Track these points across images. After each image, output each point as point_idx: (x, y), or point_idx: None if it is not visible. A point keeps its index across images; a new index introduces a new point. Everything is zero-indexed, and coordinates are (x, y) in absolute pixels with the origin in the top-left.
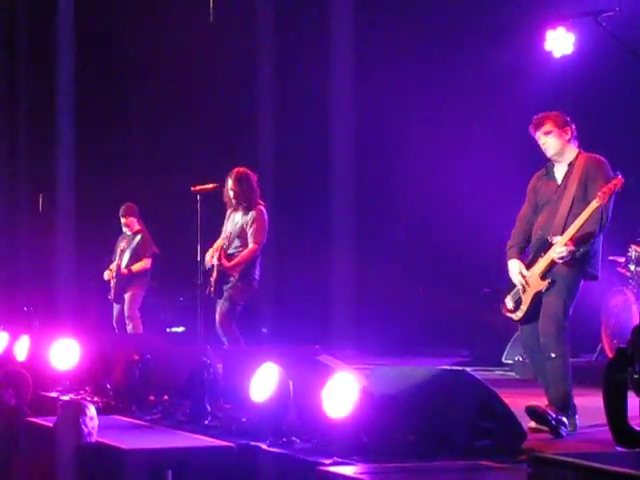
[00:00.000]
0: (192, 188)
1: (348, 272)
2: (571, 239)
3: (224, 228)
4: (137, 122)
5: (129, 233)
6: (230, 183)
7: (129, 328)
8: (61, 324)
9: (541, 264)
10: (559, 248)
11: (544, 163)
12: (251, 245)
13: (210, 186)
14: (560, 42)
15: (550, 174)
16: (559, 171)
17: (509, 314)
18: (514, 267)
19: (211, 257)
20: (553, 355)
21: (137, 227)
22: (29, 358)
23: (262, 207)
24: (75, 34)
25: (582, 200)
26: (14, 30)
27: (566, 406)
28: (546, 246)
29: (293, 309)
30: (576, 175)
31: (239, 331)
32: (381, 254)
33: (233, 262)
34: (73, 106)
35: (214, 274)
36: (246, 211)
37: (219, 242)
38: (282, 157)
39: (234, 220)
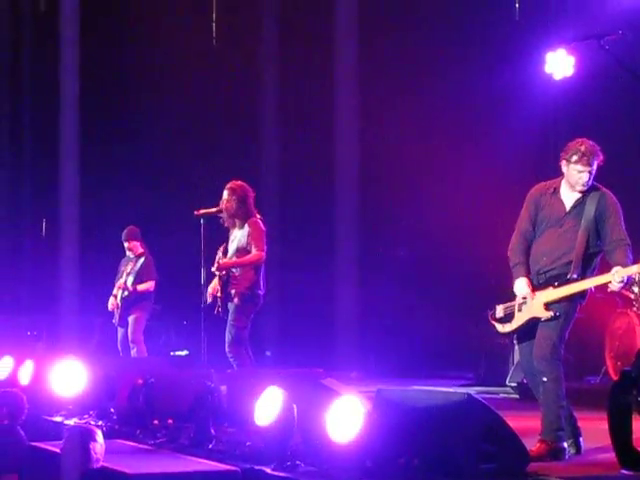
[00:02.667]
0: (195, 212)
1: (351, 294)
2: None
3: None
4: (140, 146)
5: (132, 256)
6: (225, 194)
7: (133, 352)
8: (65, 348)
9: (551, 294)
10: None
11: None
12: (254, 252)
13: (213, 210)
14: (560, 64)
15: (557, 194)
16: (569, 196)
17: (494, 322)
18: (522, 285)
19: (213, 289)
20: (545, 379)
21: (140, 250)
22: (32, 382)
23: (258, 219)
24: (80, 57)
25: (596, 237)
26: (18, 56)
27: (559, 428)
28: (562, 279)
29: (297, 332)
30: (590, 209)
31: (249, 353)
32: (384, 275)
33: (232, 261)
34: (76, 133)
35: (218, 290)
36: (242, 225)
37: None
38: (286, 178)
39: (233, 238)
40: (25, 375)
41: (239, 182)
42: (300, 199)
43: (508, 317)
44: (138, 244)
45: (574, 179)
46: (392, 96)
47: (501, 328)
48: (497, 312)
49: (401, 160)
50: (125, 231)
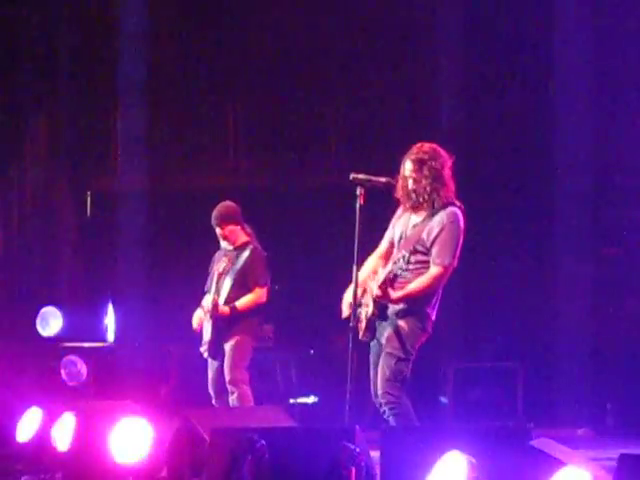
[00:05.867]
0: (352, 175)
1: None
2: None
3: None
4: None
5: (230, 248)
6: (410, 165)
7: (232, 398)
8: (123, 394)
9: None
10: None
11: None
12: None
13: (382, 179)
14: None
15: None
16: None
17: None
18: None
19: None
20: None
21: (244, 238)
22: (75, 446)
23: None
24: None
25: None
26: None
27: None
28: None
29: (485, 370)
30: None
31: (408, 398)
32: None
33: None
34: None
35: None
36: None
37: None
38: None
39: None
40: (63, 436)
41: (421, 144)
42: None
43: None
44: (238, 229)
45: None
46: None
47: None
48: None
49: None
50: (216, 211)
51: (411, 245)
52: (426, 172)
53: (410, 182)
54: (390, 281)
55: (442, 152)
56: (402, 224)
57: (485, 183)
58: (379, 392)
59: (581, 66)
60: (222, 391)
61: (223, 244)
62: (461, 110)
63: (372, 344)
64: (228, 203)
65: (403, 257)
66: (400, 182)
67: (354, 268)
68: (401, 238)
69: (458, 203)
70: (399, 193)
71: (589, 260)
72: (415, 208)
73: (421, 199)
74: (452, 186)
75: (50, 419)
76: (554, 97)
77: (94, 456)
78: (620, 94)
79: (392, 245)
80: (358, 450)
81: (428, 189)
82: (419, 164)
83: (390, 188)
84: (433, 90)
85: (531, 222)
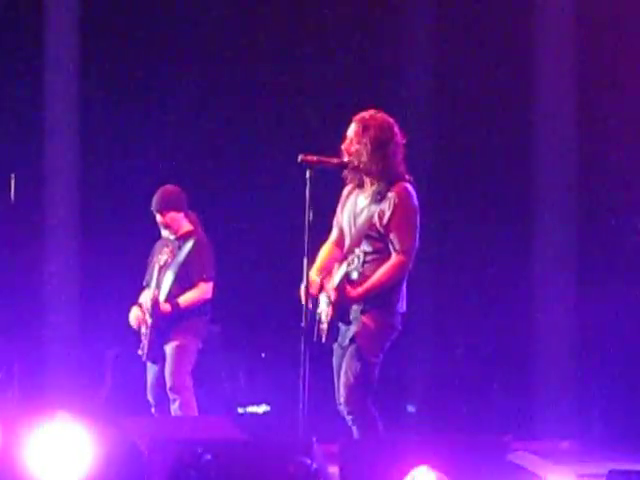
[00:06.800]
0: (301, 157)
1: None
2: None
3: None
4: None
5: (172, 238)
6: (352, 129)
7: (174, 407)
8: (53, 401)
9: None
10: None
11: None
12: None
13: (334, 160)
14: None
15: None
16: None
17: None
18: None
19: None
20: None
21: (186, 227)
22: None
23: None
24: None
25: None
26: None
27: None
28: None
29: (453, 374)
30: None
31: (374, 407)
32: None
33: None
34: None
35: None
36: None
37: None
38: None
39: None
40: None
41: (375, 111)
42: None
43: None
44: (181, 216)
45: None
46: None
47: None
48: None
49: None
50: (156, 196)
51: (364, 235)
52: (369, 137)
53: (352, 146)
54: (348, 281)
55: (395, 128)
56: (348, 208)
57: (460, 179)
58: (342, 400)
59: (564, 49)
60: (162, 398)
61: (164, 233)
62: (433, 99)
63: (335, 346)
64: (170, 187)
65: (357, 257)
66: (344, 147)
67: (304, 261)
68: (350, 225)
69: (408, 177)
70: (342, 159)
71: (571, 262)
72: (360, 185)
73: (362, 166)
74: (399, 165)
75: None
76: (535, 85)
77: (14, 471)
78: (606, 78)
79: (342, 231)
80: (315, 466)
81: (367, 156)
82: (363, 127)
83: (344, 169)
84: (402, 74)
85: (508, 223)
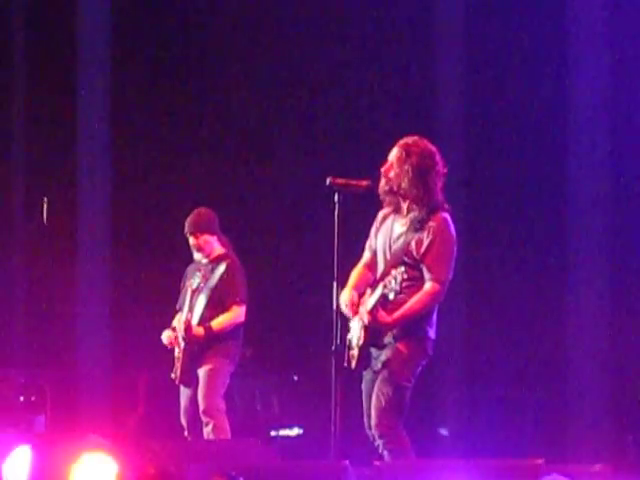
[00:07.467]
0: (330, 180)
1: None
2: None
3: None
4: None
5: (205, 261)
6: (394, 154)
7: (207, 430)
8: (84, 425)
9: None
10: None
11: None
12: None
13: (363, 183)
14: None
15: None
16: None
17: None
18: None
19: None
20: None
21: (219, 250)
22: None
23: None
24: None
25: None
26: None
27: None
28: None
29: (484, 400)
30: None
31: (404, 430)
32: None
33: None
34: None
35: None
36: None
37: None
38: None
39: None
40: (15, 472)
41: (418, 138)
42: None
43: None
44: (214, 239)
45: None
46: None
47: None
48: None
49: None
50: (190, 218)
51: (400, 262)
52: (411, 163)
53: (392, 171)
54: (382, 305)
55: (437, 157)
56: (384, 233)
57: (492, 190)
58: (373, 423)
59: (598, 61)
60: (196, 422)
61: (197, 256)
62: (463, 111)
63: (364, 372)
64: (204, 210)
65: (395, 279)
66: (383, 170)
67: (334, 285)
68: (385, 250)
69: (446, 206)
70: (380, 185)
71: (606, 275)
72: (397, 210)
73: (401, 192)
74: (439, 194)
75: (1, 453)
76: (568, 95)
77: None
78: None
79: (375, 255)
80: None
81: (407, 182)
82: (406, 152)
83: (372, 193)
84: (431, 89)
85: (542, 233)
